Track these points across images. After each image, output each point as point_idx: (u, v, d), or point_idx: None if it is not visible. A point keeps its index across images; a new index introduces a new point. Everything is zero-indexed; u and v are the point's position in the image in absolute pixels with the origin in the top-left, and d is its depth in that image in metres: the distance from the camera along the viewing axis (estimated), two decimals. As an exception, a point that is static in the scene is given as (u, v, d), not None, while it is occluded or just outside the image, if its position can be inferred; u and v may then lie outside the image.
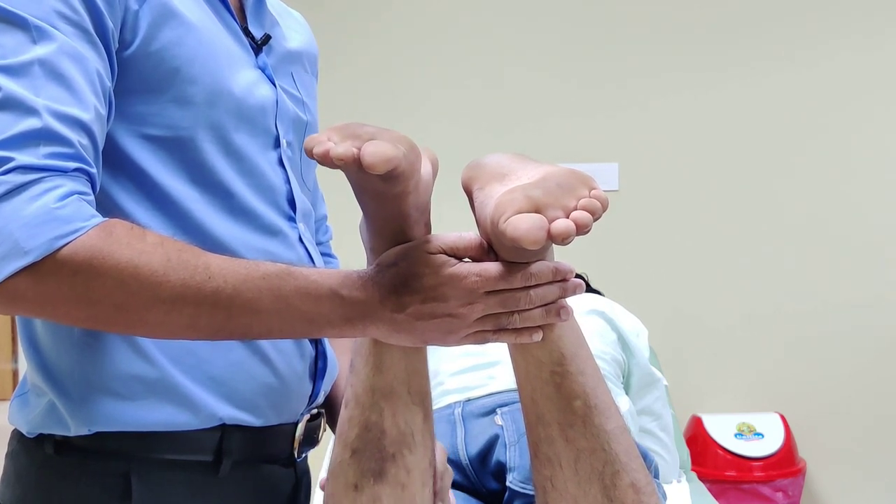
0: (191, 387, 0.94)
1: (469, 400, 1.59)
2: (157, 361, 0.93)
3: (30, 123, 0.79)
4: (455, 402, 1.59)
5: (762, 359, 2.91)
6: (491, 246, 0.84)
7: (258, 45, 1.05)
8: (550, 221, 0.78)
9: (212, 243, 0.93)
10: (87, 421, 0.92)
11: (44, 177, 0.78)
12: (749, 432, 2.75)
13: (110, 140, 0.90)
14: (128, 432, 0.93)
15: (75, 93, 0.83)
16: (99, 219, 0.80)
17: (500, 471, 1.47)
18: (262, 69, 1.05)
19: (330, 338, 1.05)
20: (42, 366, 0.95)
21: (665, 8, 2.90)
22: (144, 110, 0.92)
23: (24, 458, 0.98)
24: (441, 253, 0.82)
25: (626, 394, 1.91)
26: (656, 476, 1.54)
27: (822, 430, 2.89)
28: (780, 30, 2.88)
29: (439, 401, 1.63)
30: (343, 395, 0.99)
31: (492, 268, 0.82)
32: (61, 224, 0.77)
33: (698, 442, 2.74)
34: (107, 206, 0.89)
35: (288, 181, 1.06)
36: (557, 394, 0.92)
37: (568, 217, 0.79)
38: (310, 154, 0.78)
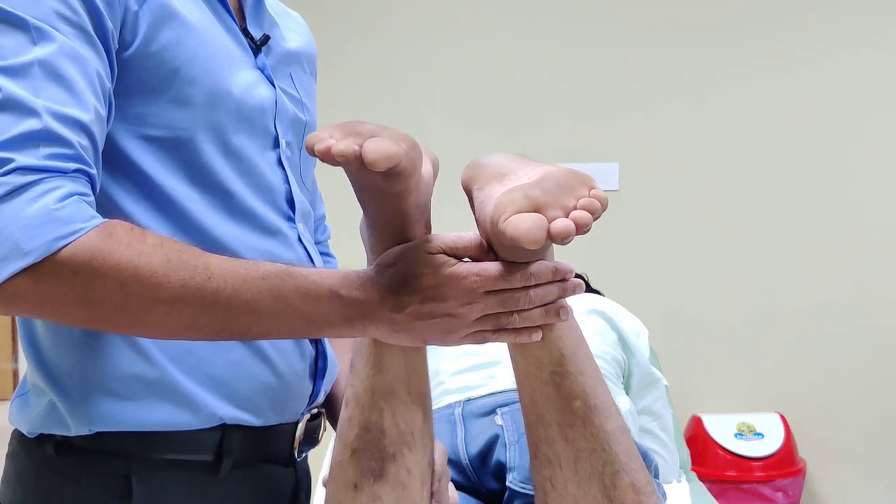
0: (191, 387, 0.94)
1: (469, 400, 1.59)
2: (157, 361, 0.93)
3: (30, 124, 0.79)
4: (455, 402, 1.60)
5: (762, 359, 2.91)
6: (490, 246, 0.84)
7: (257, 46, 1.05)
8: (550, 221, 0.79)
9: (211, 244, 0.93)
10: (88, 421, 0.92)
11: (44, 178, 0.78)
12: (749, 432, 2.75)
13: (110, 141, 0.90)
14: (128, 432, 0.93)
15: (75, 94, 0.83)
16: (99, 220, 0.80)
17: (500, 471, 1.47)
18: (262, 70, 1.05)
19: (329, 338, 1.05)
20: (42, 366, 0.95)
21: (665, 8, 2.90)
22: (144, 111, 0.92)
23: (25, 458, 0.98)
24: (441, 253, 0.82)
25: (627, 394, 1.91)
26: (656, 476, 1.54)
27: (822, 430, 2.89)
28: (780, 30, 2.88)
29: (439, 400, 1.63)
30: (343, 394, 0.99)
31: (491, 267, 0.82)
32: (61, 225, 0.77)
33: (698, 442, 2.74)
34: (107, 206, 0.89)
35: (287, 181, 1.06)
36: (557, 394, 0.92)
37: (567, 217, 0.79)
38: (311, 151, 0.78)
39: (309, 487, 1.14)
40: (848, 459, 2.90)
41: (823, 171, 2.89)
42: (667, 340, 2.75)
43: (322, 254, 1.26)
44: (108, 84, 0.88)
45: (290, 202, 1.06)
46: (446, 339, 0.84)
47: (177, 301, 0.80)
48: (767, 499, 2.67)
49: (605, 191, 0.83)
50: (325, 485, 1.00)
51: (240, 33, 1.03)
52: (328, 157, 0.76)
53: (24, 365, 1.01)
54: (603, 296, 2.15)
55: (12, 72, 0.80)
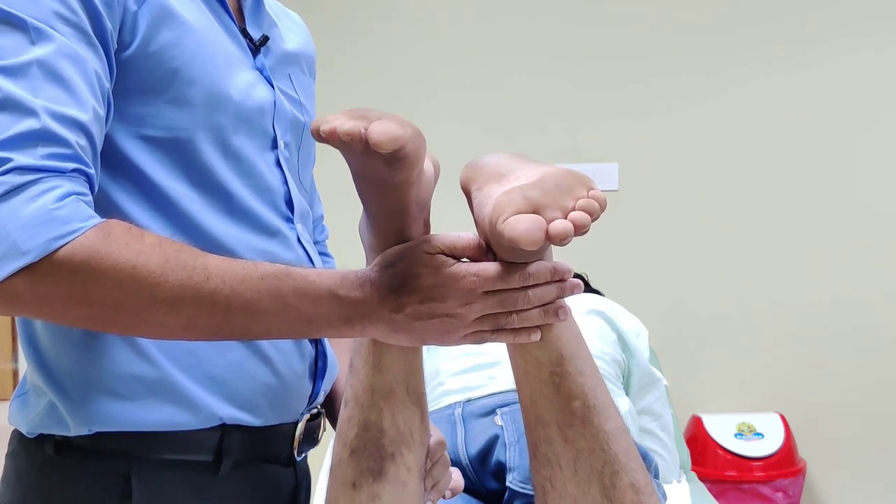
0: (191, 387, 0.94)
1: (469, 400, 1.59)
2: (156, 361, 0.93)
3: (28, 124, 0.79)
4: (455, 403, 1.60)
5: (762, 358, 2.91)
6: (489, 246, 0.84)
7: (256, 47, 1.05)
8: (548, 222, 0.79)
9: (210, 244, 0.93)
10: (87, 421, 0.92)
11: (42, 177, 0.78)
12: (749, 432, 2.75)
13: (109, 141, 0.90)
14: (128, 432, 0.93)
15: (74, 94, 0.83)
16: (97, 219, 0.80)
17: (500, 471, 1.47)
18: (261, 70, 1.05)
19: (329, 338, 1.06)
20: (42, 366, 0.95)
21: (665, 8, 2.90)
22: (143, 111, 0.92)
23: (25, 458, 0.98)
24: (439, 253, 0.82)
25: (626, 394, 1.91)
26: (656, 476, 1.54)
27: (822, 430, 2.89)
28: (780, 30, 2.88)
29: (440, 401, 1.63)
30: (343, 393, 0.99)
31: (490, 268, 0.82)
32: (59, 225, 0.77)
33: (698, 442, 2.74)
34: (106, 206, 0.89)
35: (285, 182, 1.06)
36: (556, 394, 0.92)
37: (566, 218, 0.79)
38: (316, 134, 0.78)
39: (309, 487, 1.14)
40: (848, 459, 2.90)
41: (823, 171, 2.89)
42: (667, 340, 2.75)
43: (320, 254, 1.26)
44: (107, 84, 0.88)
45: (289, 203, 1.06)
46: (445, 339, 0.84)
47: (175, 301, 0.80)
48: (767, 499, 2.67)
49: (604, 191, 0.83)
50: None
51: (239, 34, 1.03)
52: (334, 138, 0.77)
53: (23, 365, 1.01)
54: (603, 296, 2.15)
55: (11, 72, 0.81)
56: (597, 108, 2.92)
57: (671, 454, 2.03)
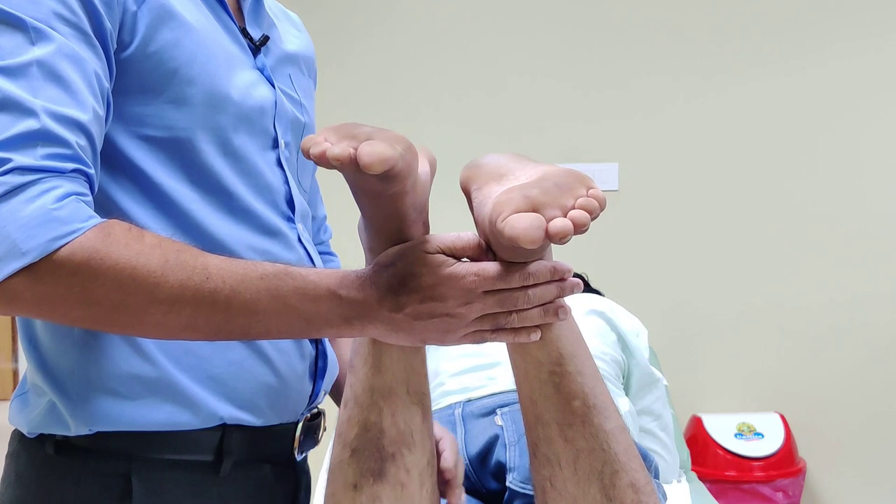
0: (191, 386, 0.94)
1: (469, 400, 1.59)
2: (157, 361, 0.93)
3: (28, 124, 0.79)
4: (455, 403, 1.60)
5: (762, 358, 2.91)
6: (489, 246, 0.84)
7: (256, 46, 1.05)
8: (548, 221, 0.78)
9: (210, 244, 0.93)
10: (88, 421, 0.92)
11: (41, 178, 0.78)
12: (749, 432, 2.75)
13: (109, 141, 0.90)
14: (128, 432, 0.93)
15: (73, 94, 0.83)
16: (97, 219, 0.80)
17: (500, 471, 1.47)
18: (261, 70, 1.05)
19: (328, 338, 1.06)
20: (42, 365, 0.95)
21: (665, 9, 2.90)
22: (143, 111, 0.92)
23: (25, 458, 0.98)
24: (439, 253, 0.82)
25: (626, 394, 1.91)
26: (656, 476, 1.54)
27: (822, 430, 2.89)
28: (780, 31, 2.88)
29: (440, 401, 1.63)
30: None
31: (490, 267, 0.82)
32: (59, 225, 0.77)
33: (698, 442, 2.74)
34: (106, 206, 0.89)
35: (286, 181, 1.06)
36: (556, 394, 0.92)
37: (566, 216, 0.79)
38: (307, 154, 0.78)
39: (309, 487, 1.14)
40: (848, 459, 2.90)
41: (823, 171, 2.89)
42: (666, 340, 2.75)
43: (324, 253, 1.26)
44: (107, 84, 0.88)
45: (290, 202, 1.06)
46: (445, 338, 0.84)
47: (175, 301, 0.80)
48: (767, 499, 2.67)
49: (604, 191, 0.83)
50: None
51: (239, 33, 1.03)
52: (323, 161, 0.76)
53: (23, 365, 1.01)
54: (602, 296, 2.15)
55: (10, 72, 0.81)
56: (596, 109, 2.92)
57: (671, 454, 2.03)
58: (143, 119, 0.92)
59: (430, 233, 0.87)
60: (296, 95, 1.10)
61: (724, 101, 2.89)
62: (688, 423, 2.85)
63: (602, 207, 0.81)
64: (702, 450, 2.72)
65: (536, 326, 0.86)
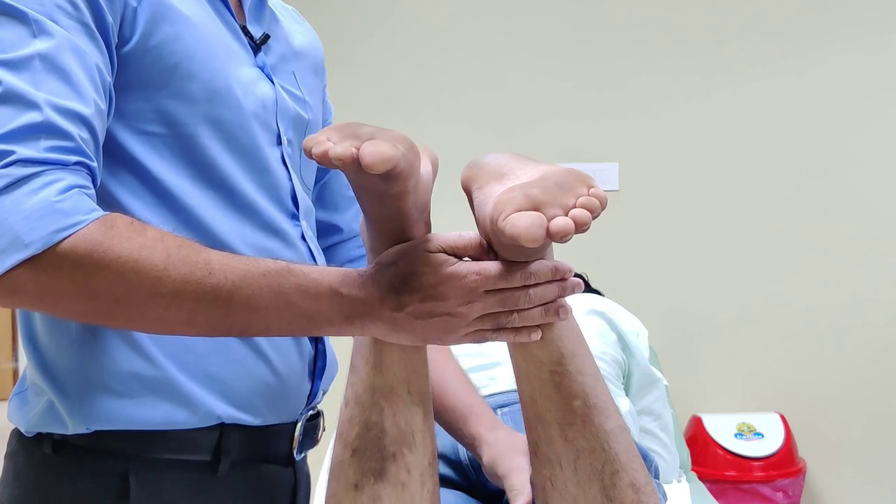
0: (189, 385, 0.94)
1: (469, 400, 1.59)
2: (155, 359, 0.93)
3: (30, 117, 0.79)
4: (455, 402, 1.59)
5: (762, 358, 2.91)
6: (490, 245, 0.84)
7: (257, 45, 1.05)
8: (549, 219, 0.78)
9: (211, 240, 0.93)
10: (85, 419, 0.92)
11: (44, 170, 0.78)
12: (749, 432, 2.75)
13: (109, 136, 0.91)
14: (126, 431, 0.93)
15: (75, 87, 0.83)
16: (99, 212, 0.81)
17: (500, 470, 1.47)
18: (261, 68, 1.05)
19: (329, 336, 1.06)
20: (41, 364, 0.95)
21: (665, 9, 2.90)
22: (143, 106, 0.92)
23: (23, 457, 0.98)
24: (441, 252, 0.82)
25: (626, 394, 1.91)
26: (656, 476, 1.54)
27: (822, 430, 2.89)
28: (780, 30, 2.88)
29: (440, 401, 1.63)
30: None
31: (491, 267, 0.82)
32: (62, 217, 0.77)
33: (698, 442, 2.74)
34: (106, 202, 0.89)
35: (290, 179, 1.06)
36: (557, 393, 0.92)
37: (567, 215, 0.79)
38: (309, 154, 0.78)
39: (308, 487, 1.14)
40: (848, 459, 2.90)
41: (823, 171, 2.89)
42: (667, 340, 2.75)
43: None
44: (108, 78, 0.88)
45: (294, 199, 1.06)
46: (446, 337, 0.84)
47: (176, 295, 0.80)
48: (767, 499, 2.67)
49: (604, 191, 0.83)
50: None
51: (239, 31, 1.03)
52: (326, 161, 0.76)
53: (23, 364, 1.01)
54: (603, 296, 2.15)
55: (13, 65, 0.81)
56: (597, 109, 2.92)
57: (671, 454, 2.03)
58: (145, 114, 0.92)
59: (432, 232, 0.87)
60: (299, 93, 1.10)
61: (725, 101, 2.89)
62: (688, 423, 2.85)
63: (603, 206, 0.81)
64: (702, 450, 2.72)
65: (537, 326, 0.86)
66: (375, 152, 0.75)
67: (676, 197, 2.92)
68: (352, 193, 1.13)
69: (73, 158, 0.81)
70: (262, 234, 1.00)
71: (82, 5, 0.86)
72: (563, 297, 0.86)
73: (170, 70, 0.92)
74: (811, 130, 2.88)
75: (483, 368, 1.68)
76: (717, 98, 2.89)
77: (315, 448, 1.12)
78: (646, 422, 1.96)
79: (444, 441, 1.36)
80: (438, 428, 1.06)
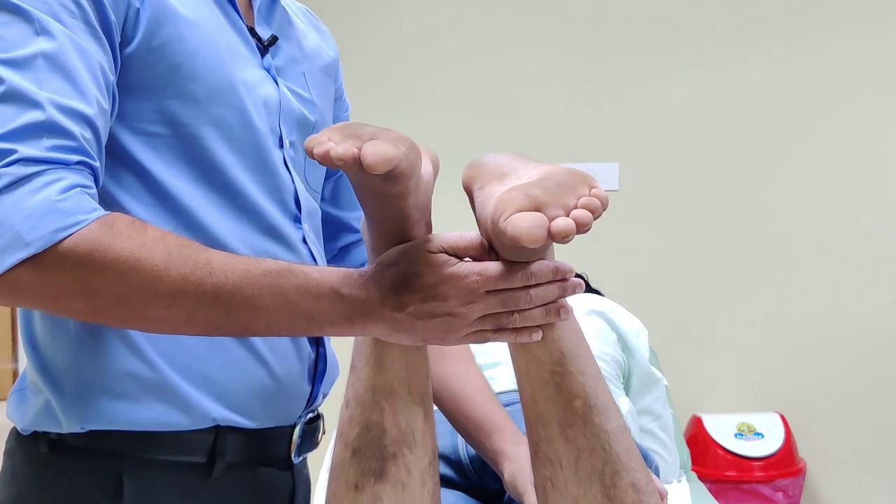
0: (184, 386, 0.94)
1: (470, 400, 1.58)
2: (152, 360, 0.93)
3: (33, 116, 0.79)
4: (456, 402, 1.59)
5: (762, 359, 2.91)
6: (491, 245, 0.84)
7: (265, 46, 1.05)
8: (551, 220, 0.78)
9: (211, 242, 0.93)
10: (80, 418, 0.92)
11: (46, 169, 0.78)
12: (749, 432, 2.75)
13: (111, 137, 0.91)
14: (121, 432, 0.93)
15: (78, 86, 0.83)
16: (101, 212, 0.81)
17: (501, 470, 1.47)
18: (267, 70, 1.04)
19: (330, 336, 1.05)
20: (40, 364, 0.95)
21: (666, 8, 2.90)
22: (146, 107, 0.92)
23: (20, 455, 0.98)
24: (441, 252, 0.82)
25: (627, 394, 1.91)
26: (656, 476, 1.54)
27: (822, 430, 2.89)
28: (781, 27, 2.88)
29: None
30: None
31: (492, 267, 0.82)
32: (63, 216, 0.78)
33: (698, 442, 2.74)
34: (106, 201, 0.89)
35: (292, 181, 1.05)
36: (557, 393, 0.92)
37: (568, 216, 0.79)
38: (310, 154, 0.78)
39: (308, 490, 1.13)
40: (848, 459, 2.90)
41: (825, 172, 2.89)
42: (667, 340, 2.75)
43: None
44: (112, 77, 0.88)
45: (297, 202, 1.06)
46: (447, 338, 0.84)
47: (177, 295, 0.80)
48: (767, 499, 2.67)
49: (604, 191, 0.83)
50: None
51: (247, 32, 1.03)
52: (327, 161, 0.76)
53: (23, 364, 1.01)
54: (603, 296, 2.15)
55: (16, 63, 0.81)
56: (597, 108, 2.92)
57: (671, 454, 2.03)
58: (147, 115, 0.92)
59: (433, 232, 0.87)
60: (307, 95, 1.10)
61: (726, 100, 2.89)
62: (688, 423, 2.85)
63: (604, 207, 0.81)
64: (702, 450, 2.72)
65: (538, 326, 0.86)
66: (377, 152, 0.75)
67: (676, 197, 2.91)
68: None
69: (75, 158, 0.81)
70: (263, 237, 1.00)
71: (86, 5, 0.86)
72: (564, 297, 0.86)
73: (172, 70, 0.92)
74: (814, 131, 2.88)
75: (483, 368, 1.67)
76: (718, 98, 2.89)
77: (315, 449, 1.12)
78: (646, 422, 1.96)
79: (444, 441, 1.37)
80: (438, 428, 1.06)
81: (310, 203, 1.09)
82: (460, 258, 0.83)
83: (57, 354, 0.93)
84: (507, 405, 1.51)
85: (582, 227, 0.79)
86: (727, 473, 2.68)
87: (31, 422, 0.95)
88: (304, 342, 1.05)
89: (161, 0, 0.92)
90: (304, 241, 1.06)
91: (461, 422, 1.17)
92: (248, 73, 1.00)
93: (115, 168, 0.92)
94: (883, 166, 2.88)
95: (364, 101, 2.89)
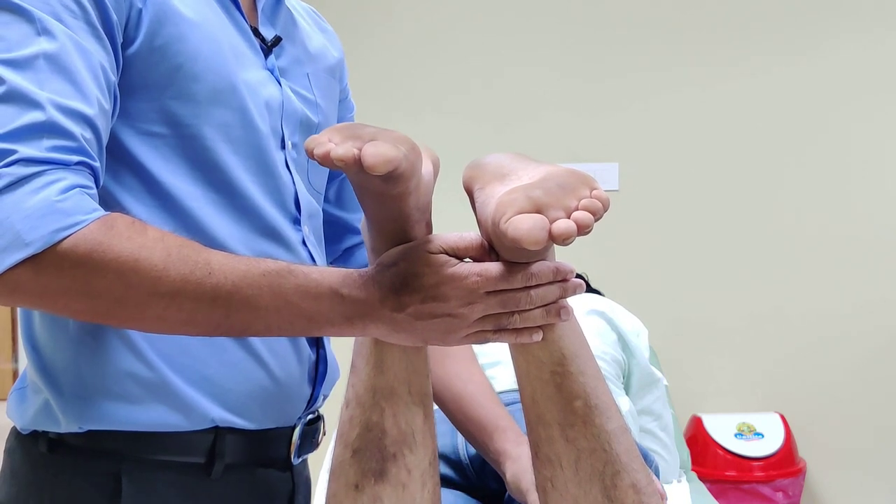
0: (184, 387, 0.94)
1: (470, 400, 1.58)
2: (151, 360, 0.93)
3: (33, 116, 0.79)
4: (456, 402, 1.59)
5: (762, 359, 2.91)
6: (492, 246, 0.84)
7: (269, 47, 1.05)
8: (551, 222, 0.78)
9: (210, 243, 0.92)
10: (78, 418, 0.92)
11: (46, 170, 0.78)
12: (749, 432, 2.75)
13: (111, 136, 0.90)
14: (120, 432, 0.93)
15: (79, 87, 0.83)
16: (100, 212, 0.81)
17: (501, 471, 1.47)
18: (271, 71, 1.04)
19: (330, 336, 1.05)
20: (40, 364, 0.95)
21: (666, 7, 2.90)
22: (147, 107, 0.92)
23: (20, 455, 0.98)
24: (442, 253, 0.82)
25: (627, 394, 1.91)
26: (656, 476, 1.54)
27: (822, 430, 2.89)
28: (782, 27, 2.88)
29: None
30: None
31: (492, 268, 0.82)
32: (62, 217, 0.78)
33: (698, 442, 2.74)
34: (106, 202, 0.89)
35: (293, 182, 1.05)
36: (558, 394, 0.92)
37: (569, 217, 0.79)
38: (310, 154, 0.78)
39: (308, 491, 1.13)
40: (848, 459, 2.90)
41: (826, 172, 2.89)
42: (667, 340, 2.75)
43: None
44: (113, 77, 0.88)
45: (297, 203, 1.06)
46: (447, 338, 0.84)
47: (176, 295, 0.80)
48: (767, 499, 2.67)
49: (604, 191, 0.83)
50: None
51: (250, 33, 1.03)
52: (327, 162, 0.76)
53: (23, 364, 1.01)
54: (603, 296, 2.15)
55: (17, 64, 0.81)
56: (597, 108, 2.92)
57: (671, 454, 2.03)
58: (148, 115, 0.92)
59: (433, 232, 0.87)
60: (311, 96, 1.09)
61: (726, 100, 2.89)
62: (688, 423, 2.85)
63: (605, 208, 0.81)
64: (702, 450, 2.72)
65: (538, 327, 0.86)
66: (377, 153, 0.74)
67: (676, 197, 2.91)
68: None
69: (76, 158, 0.81)
70: (262, 238, 1.00)
71: (88, 5, 0.86)
72: (565, 298, 0.86)
73: (174, 70, 0.92)
74: (816, 130, 2.88)
75: (483, 368, 1.67)
76: (718, 98, 2.89)
77: (315, 450, 1.12)
78: (646, 422, 1.96)
79: (444, 441, 1.37)
80: (438, 428, 1.06)
81: (311, 205, 1.09)
82: (460, 259, 0.83)
83: (56, 354, 0.93)
84: (507, 405, 1.51)
85: (583, 229, 0.79)
86: (727, 473, 2.68)
87: (31, 421, 0.96)
88: (304, 344, 1.05)
89: (163, 0, 0.92)
90: (304, 243, 1.06)
91: (464, 422, 1.17)
92: (250, 73, 1.00)
93: (115, 168, 0.91)
94: (883, 166, 2.88)
95: (364, 102, 2.88)
